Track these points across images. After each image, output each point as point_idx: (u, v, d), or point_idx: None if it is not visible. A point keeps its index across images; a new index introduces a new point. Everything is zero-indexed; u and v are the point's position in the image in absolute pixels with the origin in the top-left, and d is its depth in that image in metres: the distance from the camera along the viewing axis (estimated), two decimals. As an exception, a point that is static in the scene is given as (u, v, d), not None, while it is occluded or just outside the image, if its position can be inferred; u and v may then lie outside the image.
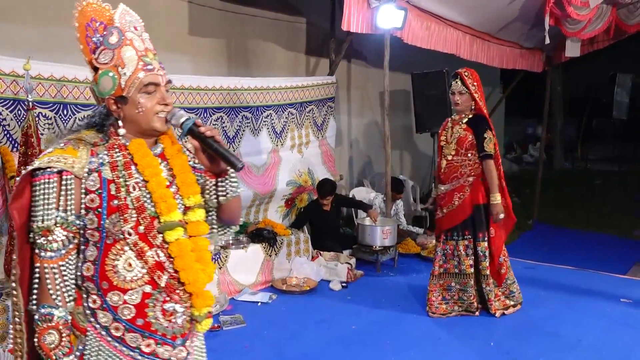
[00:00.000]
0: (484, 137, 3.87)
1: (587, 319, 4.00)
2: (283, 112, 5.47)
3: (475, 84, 3.90)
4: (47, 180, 1.33)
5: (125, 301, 1.39)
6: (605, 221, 7.41)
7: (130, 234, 1.38)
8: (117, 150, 1.42)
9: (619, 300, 4.34)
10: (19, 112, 3.52)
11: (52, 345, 1.34)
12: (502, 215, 3.87)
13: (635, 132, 12.72)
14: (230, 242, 4.58)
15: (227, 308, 4.07)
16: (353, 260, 5.05)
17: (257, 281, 4.57)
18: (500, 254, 4.02)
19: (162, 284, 1.42)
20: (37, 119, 3.52)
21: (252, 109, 5.15)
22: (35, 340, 1.35)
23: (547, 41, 5.44)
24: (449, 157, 3.98)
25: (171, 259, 1.43)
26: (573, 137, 13.60)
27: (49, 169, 1.33)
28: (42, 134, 3.61)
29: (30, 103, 2.95)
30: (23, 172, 1.35)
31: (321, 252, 5.07)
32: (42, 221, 1.33)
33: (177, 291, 1.45)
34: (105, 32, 1.41)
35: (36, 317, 1.35)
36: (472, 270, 3.96)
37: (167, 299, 1.43)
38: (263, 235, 4.67)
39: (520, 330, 3.82)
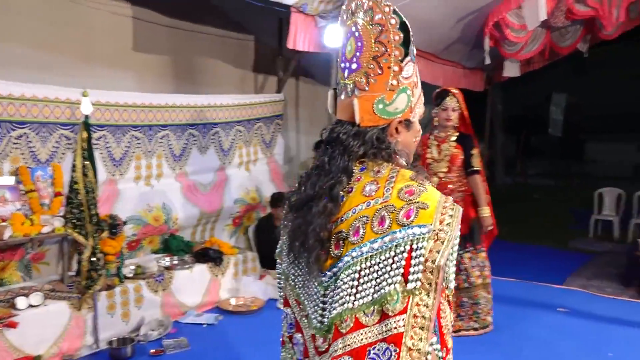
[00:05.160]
0: (472, 154, 3.98)
1: (527, 329, 4.13)
2: (231, 130, 5.43)
3: (463, 104, 4.04)
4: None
5: None
6: (543, 234, 7.72)
7: None
8: None
9: (556, 310, 4.51)
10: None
11: None
12: (490, 227, 4.03)
13: (569, 148, 13.39)
14: (175, 262, 4.47)
15: (170, 331, 3.95)
16: (302, 278, 5.02)
17: (202, 302, 4.47)
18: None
19: None
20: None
21: (199, 127, 5.08)
22: None
23: (488, 61, 5.67)
24: (441, 175, 4.02)
25: None
26: (513, 153, 14.18)
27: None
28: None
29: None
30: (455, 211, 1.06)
31: (269, 271, 5.02)
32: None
33: None
34: None
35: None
36: (481, 280, 4.05)
37: None
38: (209, 255, 4.59)
39: (465, 342, 3.89)
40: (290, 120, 6.99)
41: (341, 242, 1.06)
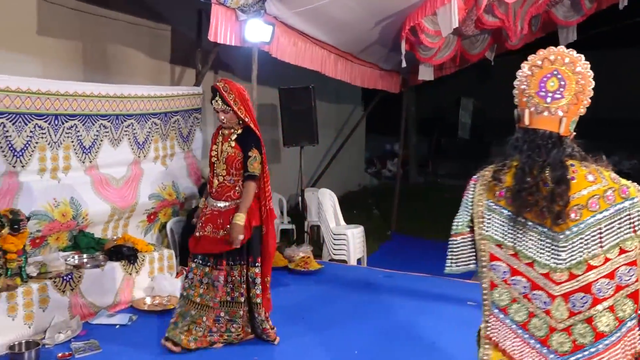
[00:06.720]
0: (249, 156, 3.56)
1: (440, 322, 4.31)
2: (146, 122, 5.20)
3: (237, 99, 3.54)
4: None
5: None
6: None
7: None
8: None
9: (466, 304, 4.75)
10: None
11: None
12: (241, 237, 3.49)
13: (476, 150, 14.19)
14: (85, 260, 4.21)
15: (80, 333, 3.72)
16: (220, 276, 4.91)
17: (115, 302, 4.25)
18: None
19: None
20: None
21: (111, 118, 4.82)
22: None
23: (404, 64, 5.86)
24: (221, 178, 3.61)
25: None
26: (425, 153, 14.81)
27: None
28: None
29: None
30: None
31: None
32: None
33: None
34: None
35: None
36: (243, 299, 3.67)
37: None
38: (122, 253, 4.37)
39: (381, 337, 4.00)
40: (209, 115, 6.83)
41: (578, 211, 1.65)
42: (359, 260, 6.36)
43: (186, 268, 3.78)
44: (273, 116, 7.81)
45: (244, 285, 3.67)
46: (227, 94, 3.51)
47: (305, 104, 6.71)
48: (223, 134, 3.67)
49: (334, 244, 6.33)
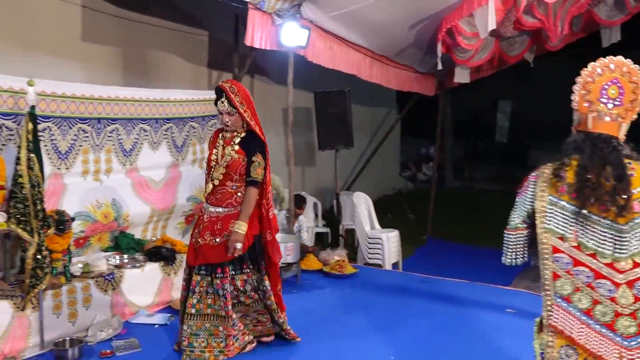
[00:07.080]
0: (253, 161, 3.41)
1: (477, 329, 4.23)
2: (184, 126, 5.30)
3: (243, 102, 3.39)
4: None
5: None
6: (490, 236, 7.97)
7: None
8: None
9: (504, 311, 4.64)
10: None
11: None
12: (239, 246, 3.32)
13: (514, 154, 13.91)
14: (125, 261, 4.32)
15: (121, 332, 3.81)
16: (255, 278, 4.95)
17: (154, 302, 4.34)
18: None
19: None
20: None
21: (150, 122, 4.93)
22: None
23: (440, 67, 5.80)
24: (216, 182, 3.44)
25: None
26: (461, 157, 14.60)
27: None
28: None
29: None
30: None
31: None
32: None
33: None
34: None
35: None
36: (257, 297, 3.60)
37: None
38: (161, 254, 4.46)
39: (417, 343, 3.95)
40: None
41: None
42: (394, 265, 6.31)
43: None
44: (308, 119, 7.85)
45: (259, 289, 3.59)
46: (233, 96, 3.34)
47: (341, 107, 6.72)
48: (224, 137, 3.49)
49: (369, 248, 6.30)
